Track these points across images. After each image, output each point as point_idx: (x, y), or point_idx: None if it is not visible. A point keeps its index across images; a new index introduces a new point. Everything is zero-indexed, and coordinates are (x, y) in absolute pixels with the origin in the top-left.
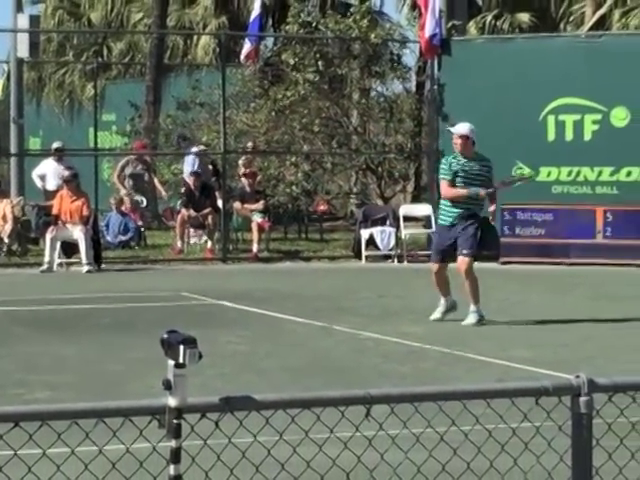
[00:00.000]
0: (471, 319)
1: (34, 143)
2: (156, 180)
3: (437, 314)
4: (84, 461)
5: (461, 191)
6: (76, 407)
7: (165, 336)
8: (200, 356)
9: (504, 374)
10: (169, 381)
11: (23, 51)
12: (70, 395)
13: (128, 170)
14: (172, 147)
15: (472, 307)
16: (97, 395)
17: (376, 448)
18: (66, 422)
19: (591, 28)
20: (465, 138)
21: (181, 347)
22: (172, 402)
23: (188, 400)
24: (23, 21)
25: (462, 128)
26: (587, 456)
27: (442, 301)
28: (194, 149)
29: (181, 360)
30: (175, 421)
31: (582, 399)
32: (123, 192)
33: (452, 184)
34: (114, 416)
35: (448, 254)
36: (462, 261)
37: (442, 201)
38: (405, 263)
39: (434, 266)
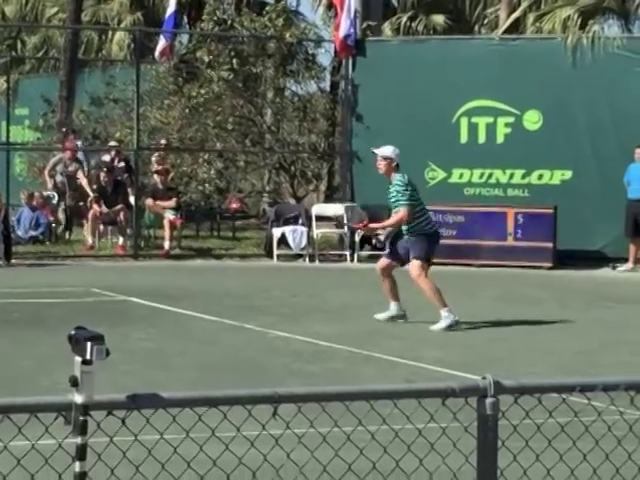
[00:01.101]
0: (441, 324)
1: None
2: (85, 180)
3: (382, 315)
4: None
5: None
6: None
7: (72, 332)
8: (108, 353)
9: (412, 374)
10: (76, 378)
11: None
12: None
13: (60, 168)
14: (85, 142)
15: (441, 312)
16: (4, 390)
17: (282, 447)
18: None
19: (505, 31)
20: (388, 160)
21: (88, 344)
22: (78, 399)
23: (95, 397)
24: None
25: (385, 150)
26: (492, 457)
27: (392, 305)
28: (78, 142)
29: (88, 357)
30: (81, 418)
31: (488, 400)
32: (49, 186)
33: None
34: (20, 412)
35: (397, 256)
36: (411, 266)
37: None
38: (317, 263)
39: (381, 261)
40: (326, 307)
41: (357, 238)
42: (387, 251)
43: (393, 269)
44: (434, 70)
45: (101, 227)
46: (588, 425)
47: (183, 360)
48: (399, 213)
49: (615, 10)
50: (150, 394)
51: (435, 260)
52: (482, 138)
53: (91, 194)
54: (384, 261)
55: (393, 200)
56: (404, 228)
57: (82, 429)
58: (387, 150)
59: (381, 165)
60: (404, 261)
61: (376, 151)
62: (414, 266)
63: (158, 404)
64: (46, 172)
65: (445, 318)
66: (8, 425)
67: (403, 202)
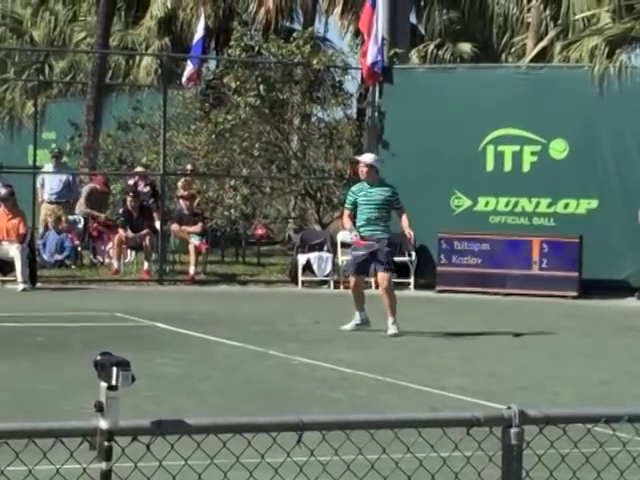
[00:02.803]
0: (391, 330)
1: None
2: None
3: (348, 326)
4: None
5: (346, 223)
6: (6, 427)
7: (98, 358)
8: (133, 379)
9: (437, 403)
10: (101, 403)
11: None
12: (1, 414)
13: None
14: (111, 167)
15: (390, 319)
16: (29, 414)
17: (307, 474)
18: None
19: (532, 60)
20: (370, 167)
21: (114, 369)
22: (103, 424)
23: (120, 423)
24: None
25: (367, 158)
26: None
27: (357, 315)
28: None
29: (114, 382)
30: (106, 443)
31: (513, 430)
32: (102, 216)
33: (350, 212)
34: (45, 437)
35: (364, 268)
36: (381, 277)
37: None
38: (341, 289)
39: (352, 279)
40: (350, 334)
41: None
42: (354, 270)
43: (362, 283)
44: (461, 98)
45: (128, 252)
46: (613, 456)
47: (208, 386)
48: (403, 212)
49: None
50: (175, 420)
51: (460, 288)
52: (508, 166)
53: (100, 215)
54: (357, 279)
55: (379, 204)
56: (382, 228)
57: (107, 454)
58: (369, 158)
59: (363, 171)
60: (368, 272)
61: (359, 159)
62: (387, 278)
63: (183, 430)
64: (85, 207)
65: (394, 325)
66: (33, 449)
67: (399, 205)
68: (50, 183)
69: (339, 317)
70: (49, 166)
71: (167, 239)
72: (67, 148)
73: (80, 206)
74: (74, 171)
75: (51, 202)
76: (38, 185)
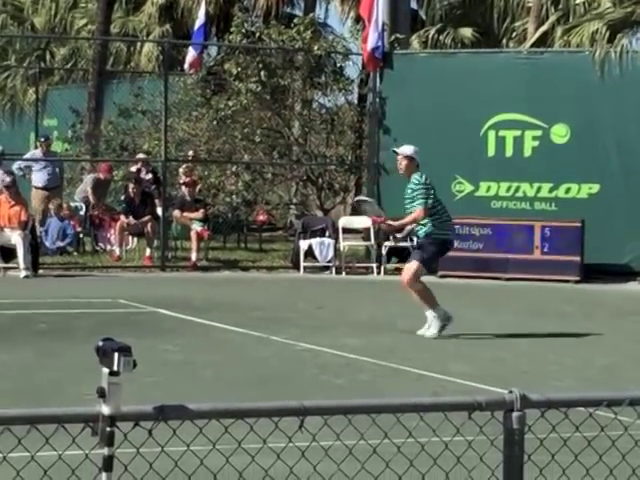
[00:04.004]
0: (431, 330)
1: None
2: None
3: (432, 331)
4: (16, 467)
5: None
6: (9, 413)
7: (100, 344)
8: (135, 364)
9: (440, 387)
10: (103, 389)
11: None
12: (4, 401)
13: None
14: (113, 154)
15: (427, 314)
16: (31, 401)
17: (309, 459)
18: None
19: (533, 45)
20: (409, 159)
21: (116, 355)
22: (106, 410)
23: (122, 408)
24: None
25: (407, 149)
26: (518, 471)
27: (430, 314)
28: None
29: (115, 368)
30: (108, 429)
31: (514, 414)
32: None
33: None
34: (47, 423)
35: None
36: (405, 267)
37: None
38: (343, 275)
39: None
40: (353, 319)
41: (384, 251)
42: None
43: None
44: (462, 83)
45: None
46: (615, 440)
47: (210, 372)
48: (415, 212)
49: None
50: (177, 405)
51: (462, 273)
52: (509, 151)
53: (91, 198)
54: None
55: (409, 199)
56: (420, 227)
57: (109, 440)
58: (408, 149)
59: (402, 164)
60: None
61: (398, 150)
62: (410, 269)
63: (185, 416)
64: (91, 195)
65: (435, 320)
66: (35, 435)
67: (419, 201)
68: (44, 169)
69: (341, 303)
70: (37, 152)
71: (169, 225)
72: (68, 135)
73: (82, 193)
74: (61, 158)
75: (45, 188)
76: (16, 171)
